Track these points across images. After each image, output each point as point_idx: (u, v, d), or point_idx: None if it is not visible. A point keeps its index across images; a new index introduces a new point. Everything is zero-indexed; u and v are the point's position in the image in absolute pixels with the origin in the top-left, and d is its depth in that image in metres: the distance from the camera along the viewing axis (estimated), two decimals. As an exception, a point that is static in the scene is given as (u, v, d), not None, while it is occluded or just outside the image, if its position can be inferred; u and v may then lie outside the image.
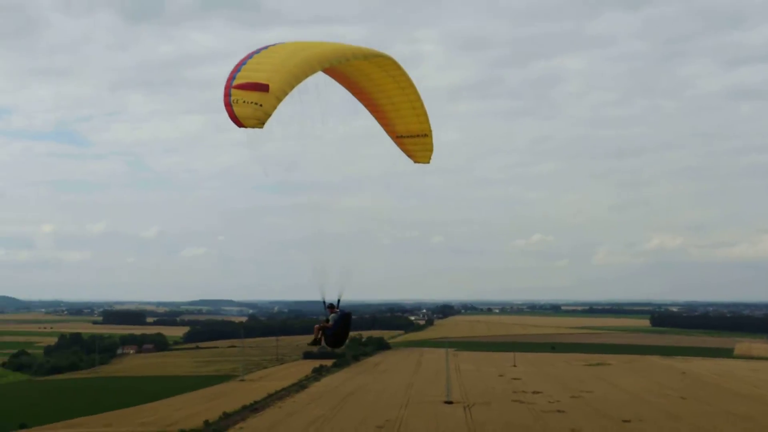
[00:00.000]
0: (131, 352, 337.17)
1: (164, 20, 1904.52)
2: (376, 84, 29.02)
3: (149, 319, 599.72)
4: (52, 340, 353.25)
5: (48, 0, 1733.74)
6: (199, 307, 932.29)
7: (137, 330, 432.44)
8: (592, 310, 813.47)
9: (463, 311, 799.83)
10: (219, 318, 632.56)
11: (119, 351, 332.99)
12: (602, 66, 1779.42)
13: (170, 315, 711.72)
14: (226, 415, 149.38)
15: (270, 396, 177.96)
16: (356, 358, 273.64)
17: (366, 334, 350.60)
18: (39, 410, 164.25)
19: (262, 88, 20.02)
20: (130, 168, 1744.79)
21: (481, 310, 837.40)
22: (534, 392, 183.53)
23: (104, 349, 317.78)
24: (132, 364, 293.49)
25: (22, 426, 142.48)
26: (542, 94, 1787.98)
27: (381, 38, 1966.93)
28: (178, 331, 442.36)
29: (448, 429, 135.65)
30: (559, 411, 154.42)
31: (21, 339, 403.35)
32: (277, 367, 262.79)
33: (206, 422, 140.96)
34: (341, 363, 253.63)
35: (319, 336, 29.88)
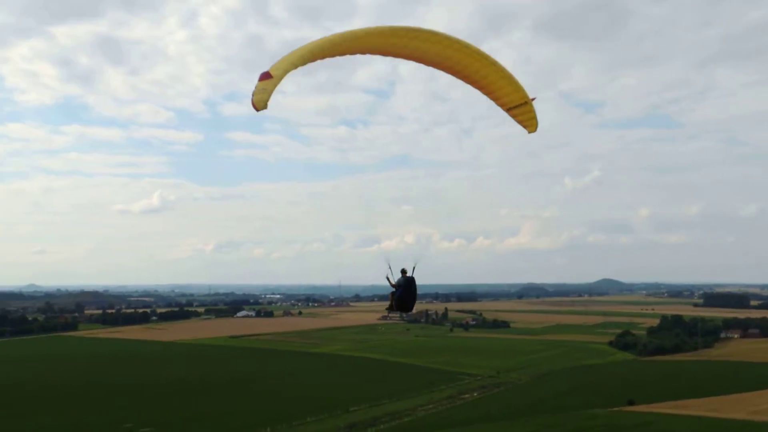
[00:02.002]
0: (735, 336, 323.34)
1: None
2: (455, 61, 29.01)
3: (753, 302, 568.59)
4: (654, 322, 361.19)
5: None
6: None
7: (740, 313, 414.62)
8: None
9: None
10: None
11: (722, 335, 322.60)
12: None
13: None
14: None
15: None
16: None
17: None
18: (645, 388, 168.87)
19: (267, 76, 24.42)
20: (724, 145, 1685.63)
21: None
22: None
23: (706, 332, 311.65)
24: (737, 349, 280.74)
25: (630, 402, 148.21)
26: None
27: None
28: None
29: None
30: None
31: (625, 320, 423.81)
32: None
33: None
34: None
35: (392, 301, 31.20)
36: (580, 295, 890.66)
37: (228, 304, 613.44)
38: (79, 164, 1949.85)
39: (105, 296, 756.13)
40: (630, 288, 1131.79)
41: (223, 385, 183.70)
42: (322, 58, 26.83)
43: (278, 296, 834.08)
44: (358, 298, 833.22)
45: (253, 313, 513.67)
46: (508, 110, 30.58)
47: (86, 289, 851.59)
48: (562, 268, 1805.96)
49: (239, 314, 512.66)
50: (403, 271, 30.79)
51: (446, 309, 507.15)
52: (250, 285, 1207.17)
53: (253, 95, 24.48)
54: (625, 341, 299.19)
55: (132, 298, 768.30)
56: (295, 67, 25.62)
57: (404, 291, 30.58)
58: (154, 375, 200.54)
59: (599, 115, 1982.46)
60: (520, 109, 30.25)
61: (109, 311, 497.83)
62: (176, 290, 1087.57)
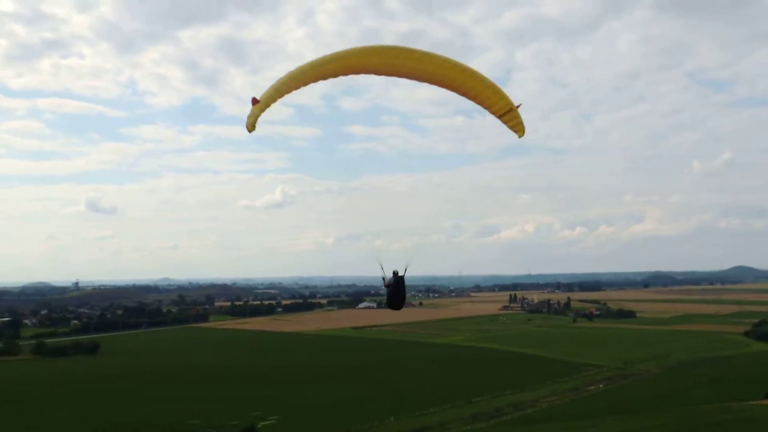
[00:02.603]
0: None
1: None
2: (443, 76, 30.34)
3: None
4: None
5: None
6: None
7: None
8: None
9: None
10: None
11: None
12: None
13: None
14: None
15: None
16: None
17: None
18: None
19: (256, 101, 28.14)
20: None
21: None
22: None
23: None
24: None
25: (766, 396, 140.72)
26: None
27: None
28: None
29: None
30: None
31: (762, 309, 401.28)
32: None
33: None
34: None
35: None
36: (711, 284, 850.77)
37: (350, 296, 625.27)
38: (206, 162, 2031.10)
39: (233, 289, 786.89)
40: (766, 275, 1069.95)
41: (347, 375, 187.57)
42: (312, 81, 29.84)
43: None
44: (478, 288, 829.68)
45: (374, 305, 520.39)
46: (498, 117, 31.98)
47: (215, 282, 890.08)
48: (691, 256, 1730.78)
49: (361, 305, 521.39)
50: (395, 273, 32.00)
51: (569, 299, 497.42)
52: (371, 277, 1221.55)
53: (247, 118, 28.37)
54: (762, 331, 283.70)
55: (258, 291, 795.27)
56: (281, 94, 28.96)
57: (393, 290, 32.19)
58: (280, 364, 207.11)
59: (730, 93, 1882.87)
60: (508, 115, 31.70)
61: (237, 303, 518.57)
62: (299, 282, 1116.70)
